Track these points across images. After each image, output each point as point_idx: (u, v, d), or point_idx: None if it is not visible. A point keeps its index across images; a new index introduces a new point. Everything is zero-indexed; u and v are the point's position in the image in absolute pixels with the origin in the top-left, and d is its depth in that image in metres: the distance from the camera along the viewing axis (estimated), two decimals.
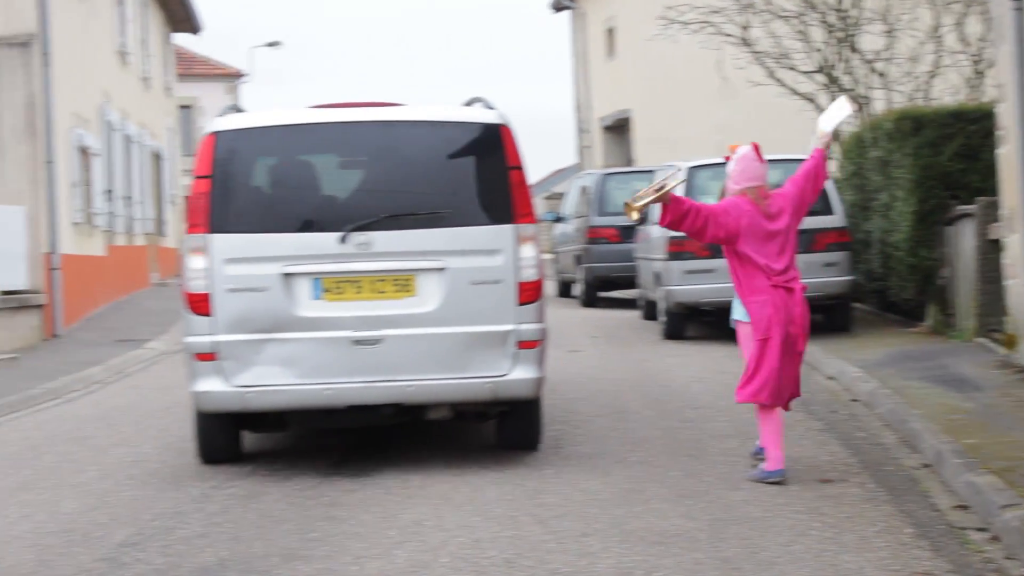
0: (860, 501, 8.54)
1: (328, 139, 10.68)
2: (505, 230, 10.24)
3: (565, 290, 28.41)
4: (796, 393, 9.69)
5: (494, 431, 11.15)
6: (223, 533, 8.22)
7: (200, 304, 10.27)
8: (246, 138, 10.50)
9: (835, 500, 8.57)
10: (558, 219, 29.27)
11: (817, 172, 9.79)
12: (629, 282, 23.80)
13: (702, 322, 19.04)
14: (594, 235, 25.08)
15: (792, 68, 24.62)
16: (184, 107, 55.66)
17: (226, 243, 10.17)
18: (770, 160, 17.09)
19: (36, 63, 21.72)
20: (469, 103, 11.15)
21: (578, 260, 26.04)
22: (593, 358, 16.70)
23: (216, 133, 10.40)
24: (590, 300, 25.39)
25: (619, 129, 41.48)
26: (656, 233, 18.79)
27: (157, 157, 36.01)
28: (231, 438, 10.84)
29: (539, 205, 57.75)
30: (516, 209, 10.30)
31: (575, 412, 12.50)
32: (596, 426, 11.70)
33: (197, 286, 10.26)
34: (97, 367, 18.04)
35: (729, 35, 25.18)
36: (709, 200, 16.55)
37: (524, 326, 10.28)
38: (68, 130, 23.60)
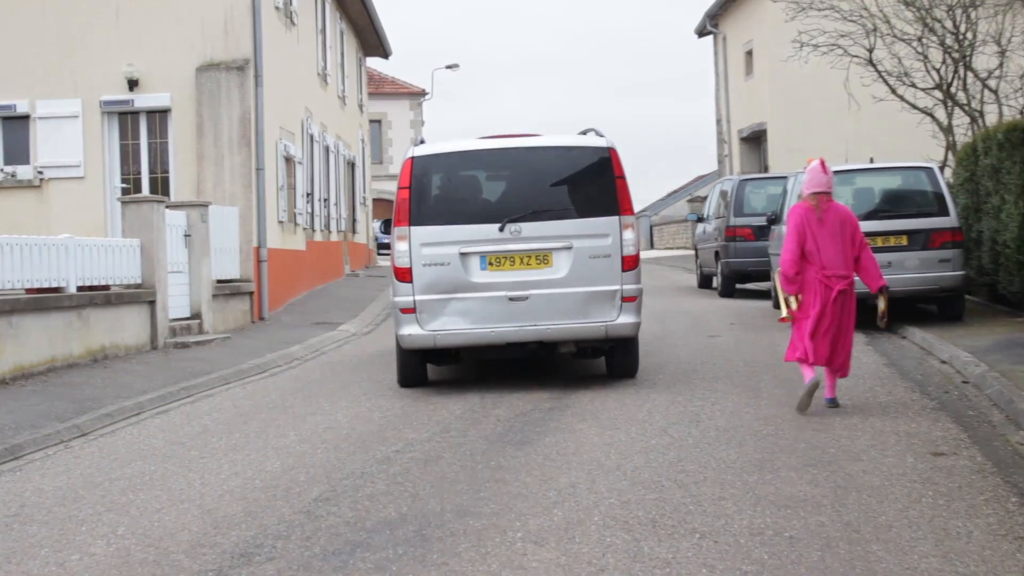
0: (970, 473, 8.34)
1: (489, 160, 13.14)
2: (613, 220, 12.74)
3: (706, 282, 28.19)
4: (836, 366, 11.08)
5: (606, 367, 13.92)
6: (404, 491, 8.28)
7: (404, 274, 12.77)
8: (434, 161, 12.97)
9: (947, 471, 8.38)
10: (700, 219, 29.04)
11: (861, 266, 11.03)
12: (763, 275, 23.62)
13: None
14: (732, 233, 24.91)
15: (912, 85, 24.17)
16: (374, 121, 56.41)
17: (421, 232, 12.73)
18: (882, 167, 17.19)
19: (250, 84, 22.12)
20: (585, 132, 13.62)
21: (717, 256, 25.87)
22: (730, 343, 16.56)
23: (413, 157, 12.93)
24: (728, 291, 25.19)
25: (755, 140, 41.08)
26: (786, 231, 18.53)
27: (351, 165, 36.48)
28: (422, 369, 13.47)
29: (683, 207, 57.32)
30: (620, 206, 12.76)
31: (713, 390, 12.39)
32: (732, 402, 11.59)
33: (402, 262, 12.75)
34: (297, 346, 18.33)
35: (855, 56, 24.80)
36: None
37: (627, 286, 12.74)
38: (276, 141, 24.02)
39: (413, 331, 12.73)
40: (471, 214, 12.79)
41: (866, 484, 8.05)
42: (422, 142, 13.35)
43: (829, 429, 10.08)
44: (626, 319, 12.70)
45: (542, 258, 12.69)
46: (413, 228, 12.69)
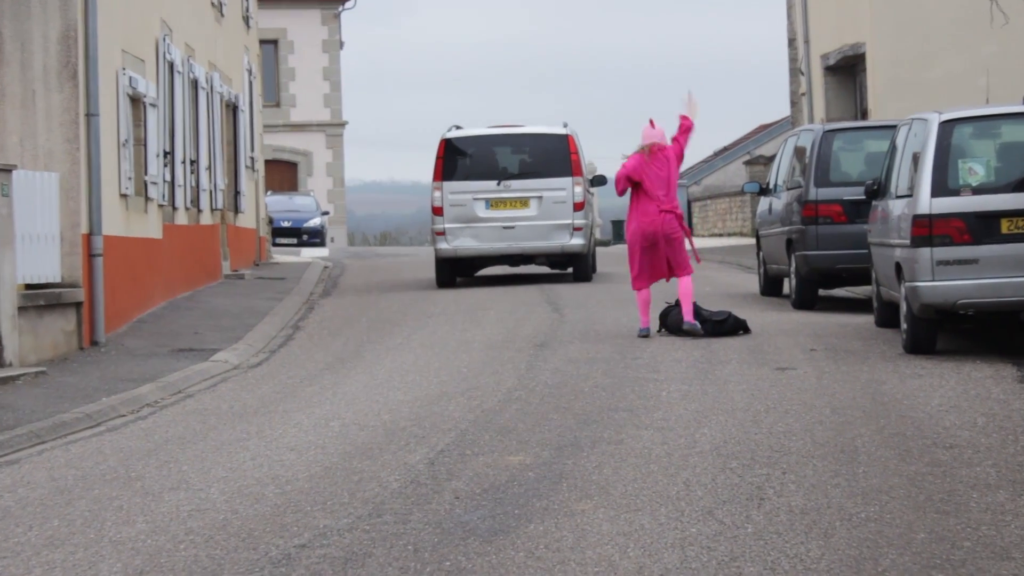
0: None
1: (493, 141, 32.77)
2: (568, 180, 31.57)
3: (772, 287, 28.01)
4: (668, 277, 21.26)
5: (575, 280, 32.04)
6: None
7: (439, 211, 31.54)
8: (459, 142, 32.21)
9: None
10: (763, 191, 28.88)
11: (677, 137, 21.43)
12: (860, 276, 23.60)
13: (960, 331, 18.79)
14: (813, 212, 24.78)
15: None
16: (267, 42, 56.42)
17: (450, 185, 31.57)
18: None
19: None
20: (565, 125, 32.68)
21: (791, 246, 25.77)
22: (809, 378, 16.58)
23: (446, 140, 31.97)
24: (806, 300, 25.11)
25: (847, 70, 41.18)
26: (897, 210, 18.51)
27: (232, 108, 36.49)
28: (453, 274, 32.23)
29: (737, 173, 57.68)
30: (573, 171, 31.60)
31: (784, 451, 12.39)
32: (813, 470, 11.59)
33: (437, 204, 31.51)
34: (148, 385, 18.27)
35: None
36: (976, 166, 16.54)
37: (576, 220, 31.36)
38: (116, 72, 23.95)
39: (444, 246, 31.14)
40: (480, 174, 31.49)
41: None
42: (457, 128, 32.18)
43: (963, 511, 10.08)
44: (576, 241, 31.26)
45: (523, 202, 31.16)
46: (445, 183, 31.19)
